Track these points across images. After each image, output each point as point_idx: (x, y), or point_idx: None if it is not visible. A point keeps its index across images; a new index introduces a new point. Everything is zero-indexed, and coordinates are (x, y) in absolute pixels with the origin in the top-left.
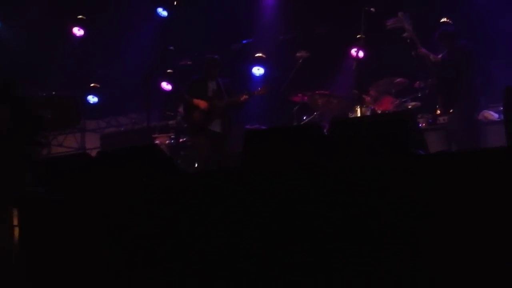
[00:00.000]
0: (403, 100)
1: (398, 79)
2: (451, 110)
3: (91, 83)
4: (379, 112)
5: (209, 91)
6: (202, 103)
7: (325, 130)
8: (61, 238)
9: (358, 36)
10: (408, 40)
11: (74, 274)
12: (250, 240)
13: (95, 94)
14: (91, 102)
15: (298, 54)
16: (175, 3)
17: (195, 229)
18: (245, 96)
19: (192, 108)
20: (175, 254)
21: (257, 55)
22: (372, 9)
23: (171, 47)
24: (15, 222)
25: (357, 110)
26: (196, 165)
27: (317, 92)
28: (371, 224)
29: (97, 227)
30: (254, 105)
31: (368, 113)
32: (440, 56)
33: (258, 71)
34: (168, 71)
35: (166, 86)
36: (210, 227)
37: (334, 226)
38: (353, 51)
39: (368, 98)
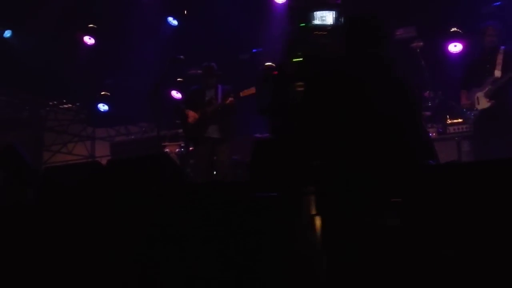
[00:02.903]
0: None
1: None
2: None
3: (102, 92)
4: None
5: (206, 99)
6: (190, 114)
7: None
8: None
9: None
10: (418, 50)
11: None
12: (255, 252)
13: (105, 103)
14: (102, 110)
15: None
16: (185, 12)
17: (203, 239)
18: (230, 99)
19: (186, 118)
20: (183, 264)
21: (267, 64)
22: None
23: (181, 56)
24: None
25: None
26: (192, 173)
27: None
28: (379, 235)
29: (105, 235)
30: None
31: None
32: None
33: None
34: (178, 79)
35: (176, 94)
36: (218, 238)
37: (341, 237)
38: None
39: None
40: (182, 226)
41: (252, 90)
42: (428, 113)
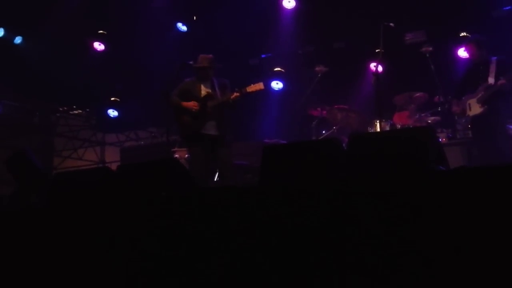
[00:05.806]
0: (422, 114)
1: (418, 94)
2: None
3: (112, 97)
4: (399, 126)
5: (202, 93)
6: (192, 104)
7: (344, 145)
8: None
9: (377, 51)
10: (428, 55)
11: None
12: (265, 258)
13: (115, 108)
14: (111, 116)
15: (317, 69)
16: (194, 18)
17: (212, 244)
18: (236, 94)
19: (182, 112)
20: (191, 268)
21: (276, 69)
22: (391, 24)
23: (191, 62)
24: None
25: (376, 125)
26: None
27: (336, 106)
28: (389, 241)
29: (115, 240)
30: (272, 119)
31: (387, 128)
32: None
33: (277, 85)
34: None
35: None
36: (227, 243)
37: (351, 244)
38: (372, 66)
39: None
40: (201, 231)
41: (260, 85)
42: (437, 117)
